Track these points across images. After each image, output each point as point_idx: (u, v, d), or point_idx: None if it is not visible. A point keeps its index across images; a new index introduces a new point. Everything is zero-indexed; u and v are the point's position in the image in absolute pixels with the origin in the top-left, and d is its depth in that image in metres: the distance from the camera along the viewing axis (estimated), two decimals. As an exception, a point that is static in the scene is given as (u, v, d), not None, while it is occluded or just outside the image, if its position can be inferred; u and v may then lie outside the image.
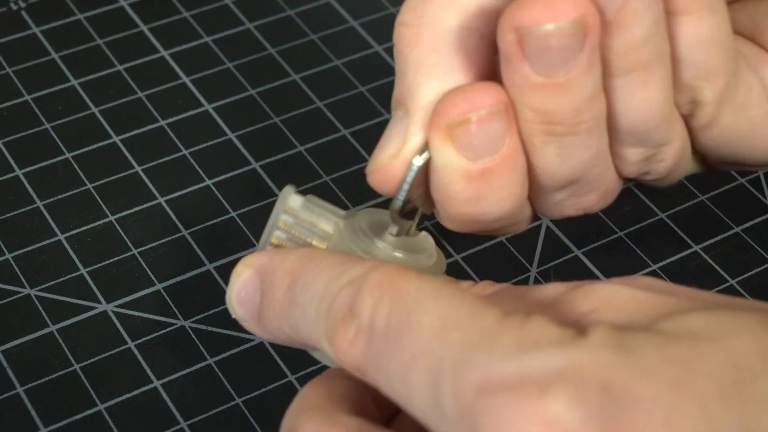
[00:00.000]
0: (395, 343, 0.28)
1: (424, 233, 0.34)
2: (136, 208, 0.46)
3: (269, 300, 0.32)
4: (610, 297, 0.29)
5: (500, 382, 0.26)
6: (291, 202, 0.33)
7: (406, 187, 0.33)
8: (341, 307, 0.29)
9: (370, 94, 0.51)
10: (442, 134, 0.32)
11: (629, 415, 0.25)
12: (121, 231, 0.45)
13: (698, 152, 0.37)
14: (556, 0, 0.30)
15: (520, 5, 0.30)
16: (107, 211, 0.46)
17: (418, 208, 0.34)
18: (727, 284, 0.44)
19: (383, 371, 0.28)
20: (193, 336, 0.42)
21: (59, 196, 0.46)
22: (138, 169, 0.47)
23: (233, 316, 0.33)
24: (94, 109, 0.50)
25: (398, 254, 0.33)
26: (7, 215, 0.46)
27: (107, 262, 0.44)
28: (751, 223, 0.46)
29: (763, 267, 0.44)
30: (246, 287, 0.32)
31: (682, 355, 0.26)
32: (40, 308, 0.42)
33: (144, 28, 0.53)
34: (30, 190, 0.46)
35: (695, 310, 0.27)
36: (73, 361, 0.41)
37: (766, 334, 0.26)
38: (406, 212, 0.33)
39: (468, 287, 0.32)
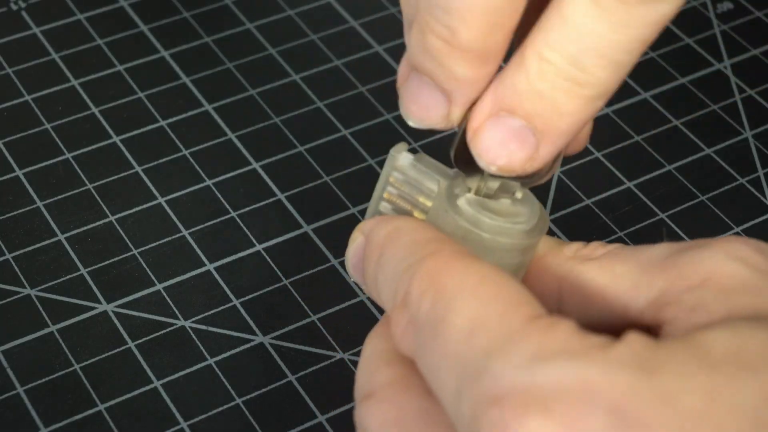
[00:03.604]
0: (432, 341, 0.28)
1: (526, 194, 0.32)
2: (136, 208, 0.46)
3: (365, 272, 0.31)
4: (720, 271, 0.28)
5: (508, 393, 0.25)
6: (401, 160, 0.32)
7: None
8: (398, 294, 0.29)
9: (370, 94, 0.51)
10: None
11: None
12: (121, 231, 0.45)
13: None
14: None
15: None
16: (107, 211, 0.46)
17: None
18: (727, 284, 0.44)
19: (424, 365, 0.28)
20: (193, 336, 0.42)
21: (59, 196, 0.46)
22: (138, 169, 0.47)
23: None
24: (94, 109, 0.50)
25: (484, 218, 0.31)
26: (7, 215, 0.46)
27: (107, 262, 0.44)
28: (751, 223, 0.46)
29: (763, 267, 0.44)
30: (357, 254, 0.32)
31: (713, 384, 0.24)
32: (41, 308, 0.42)
33: (144, 28, 0.53)
34: (30, 190, 0.46)
35: None
36: (73, 361, 0.41)
37: None
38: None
39: (576, 249, 0.31)
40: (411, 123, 0.31)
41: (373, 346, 0.31)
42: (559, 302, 0.32)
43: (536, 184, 0.31)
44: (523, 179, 0.31)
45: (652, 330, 0.29)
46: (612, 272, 0.30)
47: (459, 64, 0.29)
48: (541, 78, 0.28)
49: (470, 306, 0.27)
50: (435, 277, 0.28)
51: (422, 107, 0.31)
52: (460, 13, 0.28)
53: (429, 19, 0.28)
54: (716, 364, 0.25)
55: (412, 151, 0.32)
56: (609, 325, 0.30)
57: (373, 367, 0.30)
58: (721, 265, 0.28)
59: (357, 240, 0.32)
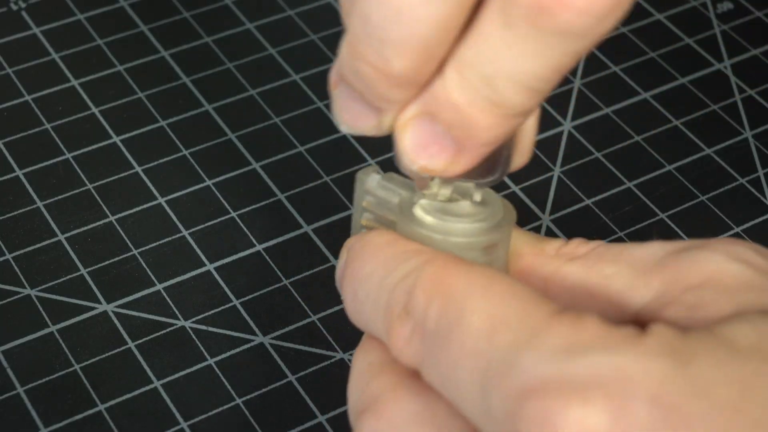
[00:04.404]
0: (446, 343, 0.27)
1: (487, 194, 0.32)
2: (136, 208, 0.46)
3: (344, 289, 0.31)
4: (722, 272, 0.28)
5: (543, 385, 0.25)
6: (368, 182, 0.33)
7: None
8: (397, 304, 0.29)
9: (370, 94, 0.51)
10: None
11: None
12: (121, 231, 0.45)
13: None
14: None
15: None
16: (107, 211, 0.46)
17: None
18: (727, 284, 0.44)
19: (435, 371, 0.28)
20: (193, 336, 0.42)
21: (59, 196, 0.46)
22: (138, 169, 0.47)
23: None
24: (94, 109, 0.50)
25: (435, 220, 0.31)
26: (8, 215, 0.46)
27: (107, 262, 0.44)
28: (751, 223, 0.46)
29: (763, 267, 0.44)
30: (341, 272, 0.32)
31: (744, 375, 0.24)
32: (41, 308, 0.42)
33: (144, 28, 0.53)
34: (30, 190, 0.46)
35: None
36: (73, 362, 0.41)
37: None
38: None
39: (557, 247, 0.31)
40: (343, 129, 0.31)
41: (360, 362, 0.30)
42: None
43: (491, 184, 0.31)
44: (475, 181, 0.31)
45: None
46: (601, 274, 0.30)
47: (391, 90, 0.29)
48: (459, 92, 0.28)
49: (486, 305, 0.27)
50: (440, 283, 0.28)
51: (353, 116, 0.31)
52: (395, 46, 0.27)
53: (363, 48, 0.28)
54: (744, 355, 0.25)
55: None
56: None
57: (363, 382, 0.30)
58: (723, 265, 0.28)
59: (342, 257, 0.32)
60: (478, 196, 0.31)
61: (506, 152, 0.31)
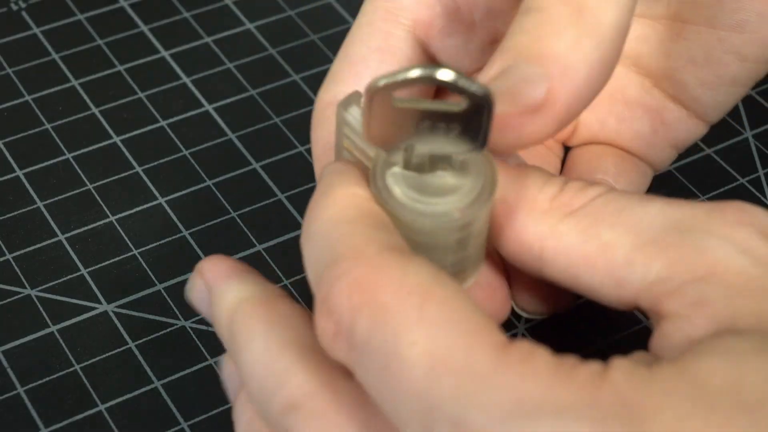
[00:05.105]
0: (382, 372, 0.26)
1: (471, 161, 0.30)
2: (137, 208, 0.46)
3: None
4: (726, 265, 0.27)
5: None
6: (349, 117, 0.31)
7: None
8: (320, 289, 0.27)
9: (370, 94, 0.51)
10: None
11: None
12: (121, 231, 0.45)
13: None
14: None
15: None
16: (107, 212, 0.46)
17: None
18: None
19: (370, 388, 0.26)
20: (194, 336, 0.42)
21: (59, 197, 0.46)
22: (138, 169, 0.47)
23: None
24: (95, 110, 0.50)
25: (403, 199, 0.29)
26: (8, 215, 0.46)
27: (107, 262, 0.44)
28: (751, 223, 0.46)
29: (763, 267, 0.44)
30: None
31: (706, 428, 0.23)
32: (41, 308, 0.42)
33: (144, 28, 0.53)
34: (30, 190, 0.46)
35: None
36: (73, 362, 0.41)
37: None
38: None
39: (551, 197, 0.30)
40: None
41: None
42: (541, 266, 0.30)
43: (468, 152, 0.29)
44: (455, 152, 0.29)
45: (650, 315, 0.28)
46: (599, 239, 0.29)
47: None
48: None
49: (423, 335, 0.25)
50: (367, 291, 0.26)
51: None
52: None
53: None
54: (713, 402, 0.23)
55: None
56: (601, 295, 0.29)
57: (288, 368, 0.28)
58: (728, 257, 0.27)
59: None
60: (457, 163, 0.30)
61: (486, 123, 0.28)
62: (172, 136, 0.49)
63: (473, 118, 0.28)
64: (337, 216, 0.28)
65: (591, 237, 0.29)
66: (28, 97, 0.50)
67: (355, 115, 0.31)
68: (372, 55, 0.36)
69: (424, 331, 0.25)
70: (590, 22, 0.29)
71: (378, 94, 0.28)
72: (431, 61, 0.37)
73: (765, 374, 0.24)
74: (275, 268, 0.44)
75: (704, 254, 0.27)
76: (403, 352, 0.25)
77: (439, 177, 0.30)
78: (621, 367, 0.25)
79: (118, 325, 0.42)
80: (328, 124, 0.34)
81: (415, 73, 0.28)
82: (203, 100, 0.50)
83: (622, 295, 0.29)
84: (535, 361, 0.25)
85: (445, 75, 0.28)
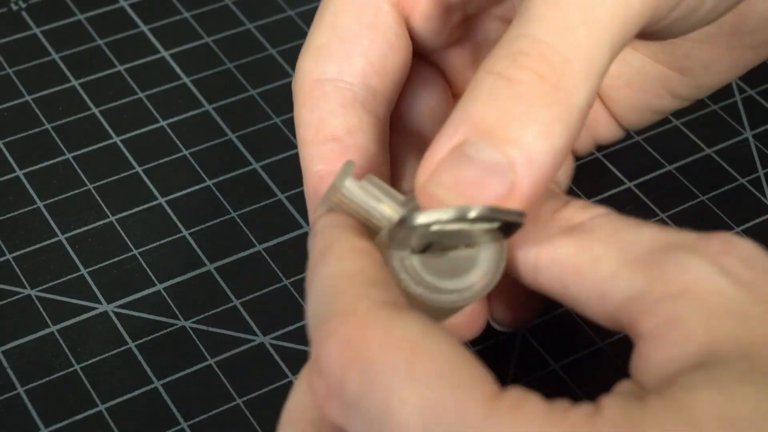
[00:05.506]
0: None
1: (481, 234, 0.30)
2: (137, 208, 0.46)
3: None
4: (703, 284, 0.27)
5: None
6: (346, 185, 0.31)
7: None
8: (313, 350, 0.27)
9: (370, 94, 0.51)
10: None
11: None
12: (121, 231, 0.45)
13: None
14: None
15: None
16: (107, 212, 0.46)
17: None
18: (727, 284, 0.44)
19: None
20: (194, 336, 0.42)
21: (60, 197, 0.46)
22: (138, 169, 0.47)
23: None
24: (95, 110, 0.50)
25: (421, 290, 0.29)
26: (8, 215, 0.46)
27: (107, 262, 0.44)
28: (751, 223, 0.46)
29: (763, 267, 0.44)
30: None
31: None
32: (41, 308, 0.42)
33: (144, 28, 0.53)
34: (30, 190, 0.46)
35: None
36: (73, 362, 0.41)
37: None
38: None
39: (554, 209, 0.30)
40: None
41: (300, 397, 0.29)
42: (535, 272, 0.30)
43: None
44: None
45: (629, 333, 0.28)
46: (590, 253, 0.29)
47: None
48: None
49: (414, 393, 0.25)
50: (356, 348, 0.26)
51: None
52: None
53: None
54: None
55: None
56: (587, 308, 0.29)
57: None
58: (705, 277, 0.27)
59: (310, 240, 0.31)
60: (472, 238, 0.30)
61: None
62: (172, 136, 0.49)
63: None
64: (334, 272, 0.28)
65: (583, 250, 0.29)
66: (28, 97, 0.50)
67: (352, 189, 0.31)
68: (363, 33, 0.35)
69: (414, 387, 0.25)
70: (564, 103, 0.28)
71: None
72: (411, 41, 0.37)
73: (754, 402, 0.24)
74: (275, 268, 0.44)
75: (685, 273, 0.27)
76: (396, 413, 0.25)
77: (450, 261, 0.30)
78: (612, 405, 0.25)
79: (118, 325, 0.42)
80: (318, 106, 0.34)
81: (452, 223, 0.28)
82: (203, 100, 0.50)
83: (606, 309, 0.29)
84: (526, 408, 0.24)
85: (476, 211, 0.28)
